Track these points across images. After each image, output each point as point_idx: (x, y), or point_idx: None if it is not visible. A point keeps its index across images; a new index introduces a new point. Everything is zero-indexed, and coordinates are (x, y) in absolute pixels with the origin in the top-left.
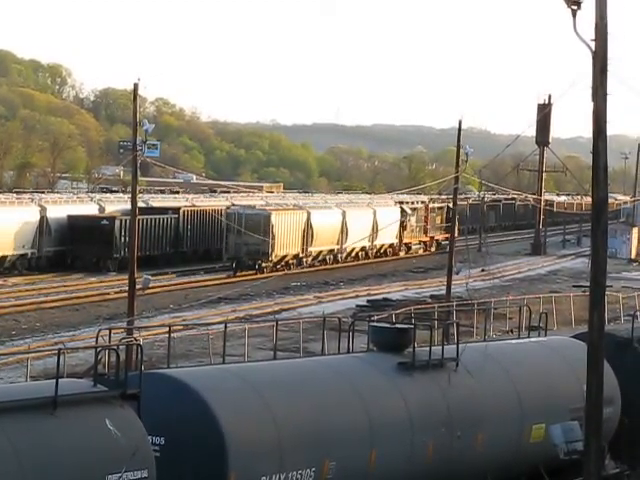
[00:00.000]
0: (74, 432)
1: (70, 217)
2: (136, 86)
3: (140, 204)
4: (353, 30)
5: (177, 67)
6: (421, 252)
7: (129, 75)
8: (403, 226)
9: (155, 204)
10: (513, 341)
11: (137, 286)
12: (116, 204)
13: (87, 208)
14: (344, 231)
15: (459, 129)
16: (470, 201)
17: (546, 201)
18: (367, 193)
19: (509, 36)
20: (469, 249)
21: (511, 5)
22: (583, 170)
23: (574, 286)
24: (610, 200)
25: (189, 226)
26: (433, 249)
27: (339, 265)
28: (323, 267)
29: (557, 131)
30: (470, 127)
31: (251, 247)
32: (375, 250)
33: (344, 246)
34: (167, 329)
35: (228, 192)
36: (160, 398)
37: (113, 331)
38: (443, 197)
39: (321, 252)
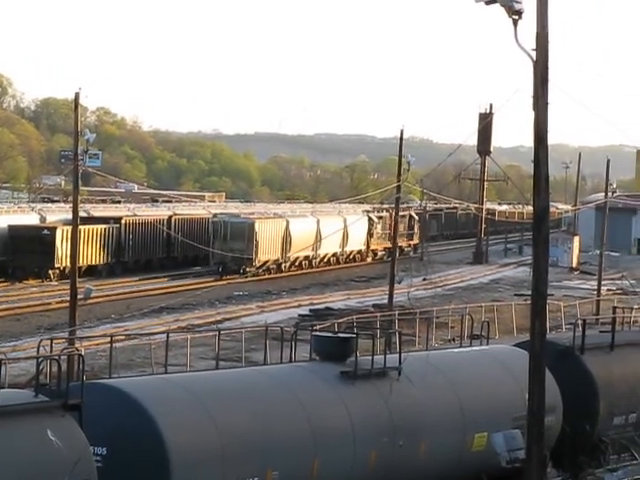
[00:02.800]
0: (15, 443)
1: (11, 227)
2: (77, 95)
3: (81, 214)
4: (294, 39)
5: (118, 76)
6: (385, 258)
7: (70, 85)
8: (370, 234)
9: (97, 214)
10: (455, 350)
11: (79, 296)
12: (57, 214)
13: (28, 218)
14: (318, 238)
15: (401, 138)
16: (412, 210)
17: (488, 210)
18: (309, 202)
19: (451, 45)
20: (411, 258)
21: (453, 15)
22: (524, 179)
23: (516, 295)
24: (551, 209)
25: (131, 236)
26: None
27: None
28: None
29: (498, 140)
30: (412, 136)
31: (236, 253)
32: (345, 256)
33: (318, 252)
34: (109, 339)
35: (170, 202)
36: (102, 408)
37: (55, 341)
38: (386, 206)
39: (298, 258)
